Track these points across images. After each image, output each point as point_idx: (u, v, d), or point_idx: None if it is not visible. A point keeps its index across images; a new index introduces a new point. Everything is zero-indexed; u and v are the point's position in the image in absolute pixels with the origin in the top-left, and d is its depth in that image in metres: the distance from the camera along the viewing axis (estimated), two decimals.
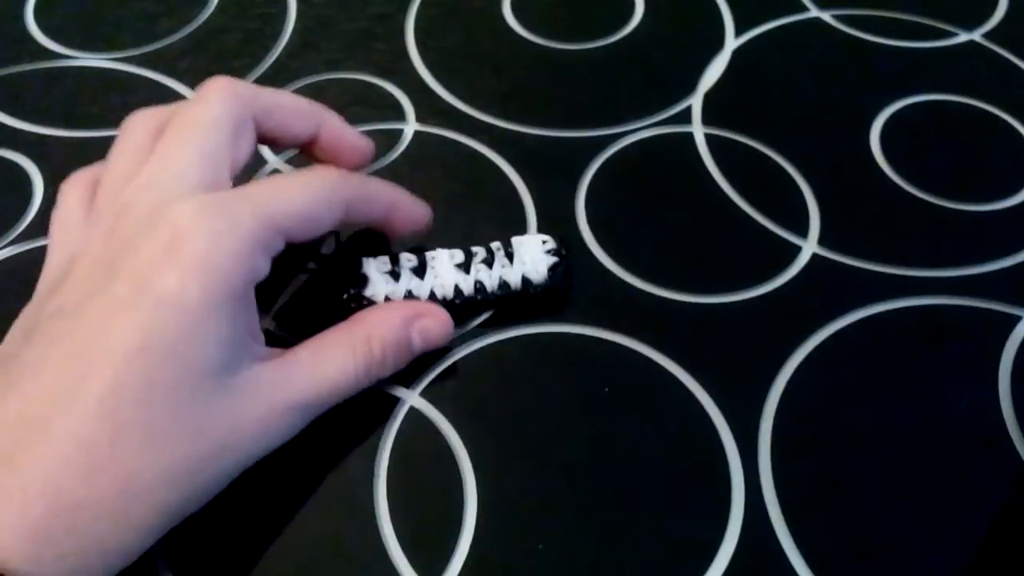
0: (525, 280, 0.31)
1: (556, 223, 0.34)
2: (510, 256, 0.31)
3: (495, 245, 0.32)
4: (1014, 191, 0.35)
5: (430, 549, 0.27)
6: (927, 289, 0.32)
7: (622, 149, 0.37)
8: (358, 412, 0.29)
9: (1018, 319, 0.32)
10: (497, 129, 0.38)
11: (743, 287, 0.33)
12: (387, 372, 0.29)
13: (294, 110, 0.31)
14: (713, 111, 0.39)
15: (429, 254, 0.31)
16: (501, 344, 0.31)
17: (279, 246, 0.26)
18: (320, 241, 0.33)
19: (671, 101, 0.39)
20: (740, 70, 0.40)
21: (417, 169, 0.37)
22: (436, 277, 0.31)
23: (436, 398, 0.30)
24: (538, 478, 0.28)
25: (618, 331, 0.31)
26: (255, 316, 0.27)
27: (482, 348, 0.31)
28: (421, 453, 0.29)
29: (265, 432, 0.26)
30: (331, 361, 0.27)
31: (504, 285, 0.31)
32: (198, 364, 0.24)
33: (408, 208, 0.31)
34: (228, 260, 0.25)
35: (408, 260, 0.31)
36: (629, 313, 0.32)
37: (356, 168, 0.32)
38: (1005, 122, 0.38)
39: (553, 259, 0.31)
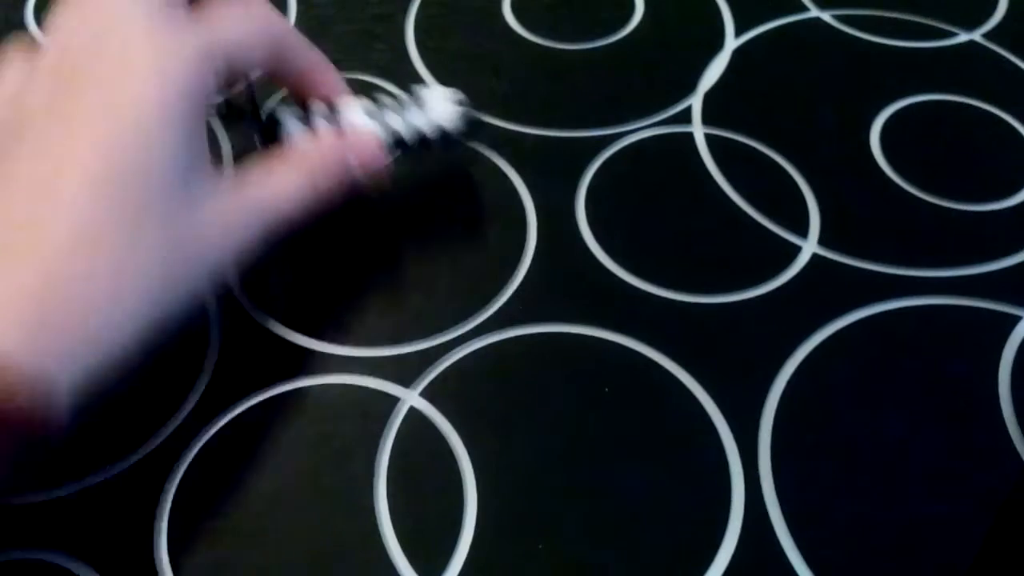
0: (439, 129, 0.32)
1: (556, 223, 0.34)
2: (419, 105, 0.32)
3: (401, 94, 0.33)
4: (1014, 191, 0.35)
5: (430, 549, 0.27)
6: (927, 289, 0.32)
7: (622, 149, 0.37)
8: (358, 412, 0.29)
9: (1018, 319, 0.32)
10: (497, 129, 0.38)
11: (743, 287, 0.33)
12: (330, 184, 0.29)
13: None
14: (713, 111, 0.39)
15: (339, 101, 0.32)
16: (501, 344, 0.31)
17: (220, 69, 0.27)
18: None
19: (671, 101, 0.39)
20: (740, 70, 0.40)
21: (417, 169, 0.36)
22: (350, 125, 0.31)
23: (436, 398, 0.30)
24: (538, 478, 0.28)
25: (618, 331, 0.31)
26: (205, 142, 0.27)
27: (482, 348, 0.31)
28: (421, 453, 0.29)
29: (228, 239, 0.27)
30: (278, 174, 0.29)
31: (418, 132, 0.32)
32: (162, 164, 0.25)
33: (326, 71, 0.32)
34: (181, 70, 0.26)
35: (318, 108, 0.32)
36: (629, 313, 0.32)
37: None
38: (1005, 122, 0.38)
39: (462, 108, 0.32)
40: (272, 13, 0.30)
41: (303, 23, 0.42)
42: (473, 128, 0.32)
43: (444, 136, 0.32)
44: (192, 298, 0.26)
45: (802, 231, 0.34)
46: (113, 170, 0.24)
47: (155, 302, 0.24)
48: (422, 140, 0.32)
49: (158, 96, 0.25)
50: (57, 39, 0.26)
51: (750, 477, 0.28)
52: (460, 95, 0.32)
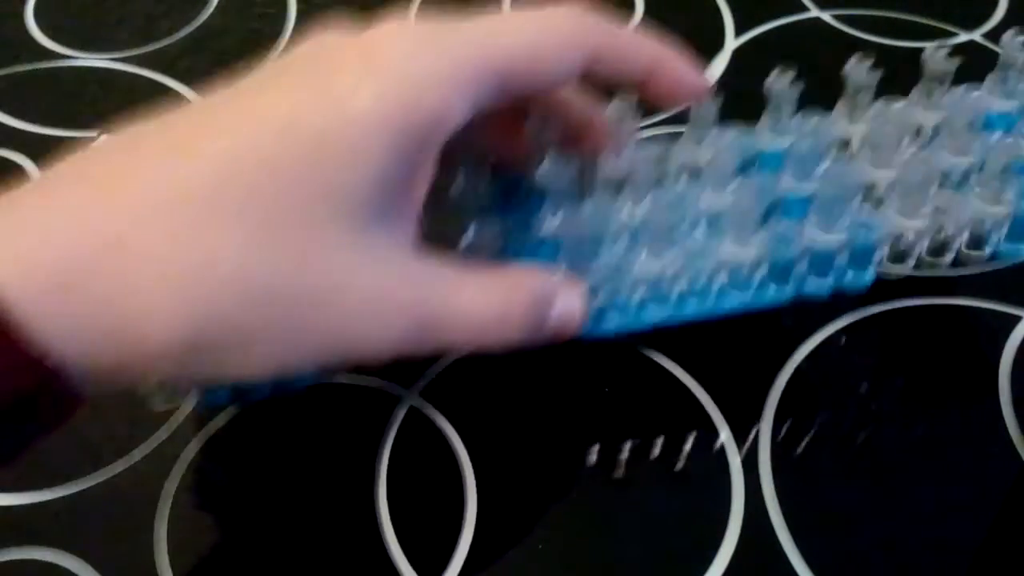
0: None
1: None
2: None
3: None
4: None
5: (430, 549, 0.27)
6: (927, 289, 0.32)
7: None
8: (358, 412, 0.29)
9: (1018, 319, 0.32)
10: None
11: None
12: (516, 335, 0.24)
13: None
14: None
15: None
16: None
17: (488, 93, 0.22)
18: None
19: None
20: (740, 70, 0.40)
21: None
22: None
23: (436, 398, 0.30)
24: (538, 478, 0.28)
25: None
26: (423, 185, 0.23)
27: None
28: (421, 453, 0.29)
29: (363, 318, 0.21)
30: (472, 291, 0.23)
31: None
32: (338, 179, 0.20)
33: (676, 70, 0.25)
34: (418, 83, 0.21)
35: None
36: None
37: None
38: None
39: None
40: (583, 18, 0.24)
41: (303, 23, 0.42)
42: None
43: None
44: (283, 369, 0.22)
45: None
46: (277, 157, 0.20)
47: (200, 319, 0.20)
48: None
49: (372, 103, 0.21)
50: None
51: (750, 477, 0.28)
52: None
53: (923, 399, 0.30)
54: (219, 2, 0.43)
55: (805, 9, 0.43)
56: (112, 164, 0.21)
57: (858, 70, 0.29)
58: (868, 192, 0.28)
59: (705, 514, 0.27)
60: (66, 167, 0.21)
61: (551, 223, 0.27)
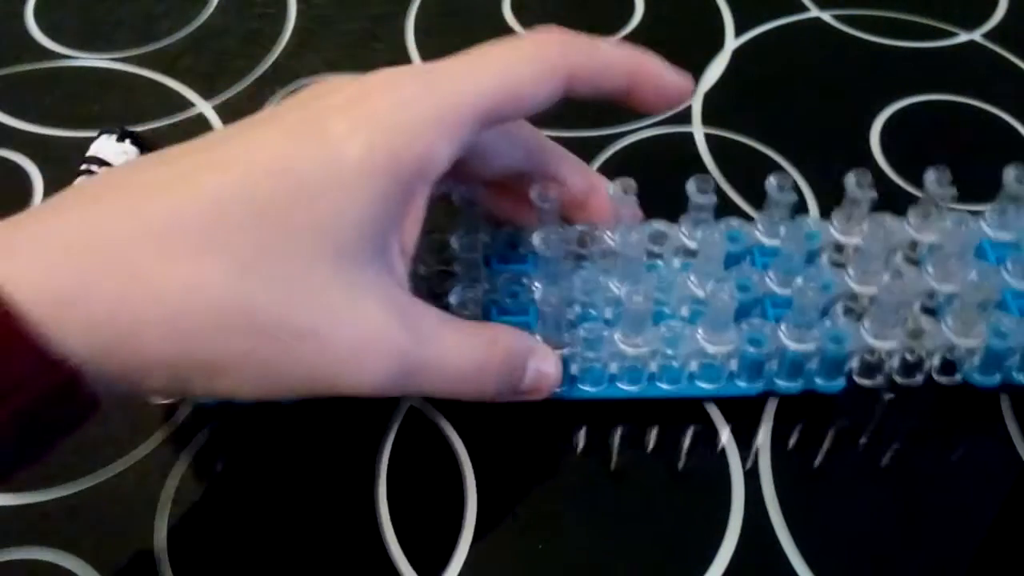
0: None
1: None
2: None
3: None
4: None
5: (430, 549, 0.27)
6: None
7: (622, 149, 0.37)
8: (358, 412, 0.29)
9: None
10: None
11: None
12: (491, 389, 0.25)
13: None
14: (713, 111, 0.39)
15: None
16: None
17: (473, 132, 0.23)
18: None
19: None
20: (740, 70, 0.40)
21: None
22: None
23: (436, 398, 0.30)
24: (538, 478, 0.28)
25: None
26: (413, 233, 0.24)
27: None
28: (421, 453, 0.29)
29: (345, 360, 0.22)
30: (453, 341, 0.24)
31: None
32: (327, 222, 0.21)
33: (657, 77, 0.26)
34: (406, 131, 0.22)
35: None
36: None
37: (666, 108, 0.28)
38: (1005, 122, 0.38)
39: None
40: (558, 41, 0.25)
41: (303, 23, 0.42)
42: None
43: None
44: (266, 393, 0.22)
45: None
46: (268, 193, 0.21)
47: (197, 339, 0.21)
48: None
49: (361, 152, 0.22)
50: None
51: (750, 477, 0.28)
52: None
53: (922, 398, 0.30)
54: (219, 2, 0.43)
55: (805, 9, 0.43)
56: (117, 192, 0.22)
57: (853, 184, 0.29)
58: (851, 298, 0.29)
59: (705, 514, 0.27)
60: (76, 192, 0.23)
61: (541, 287, 0.29)
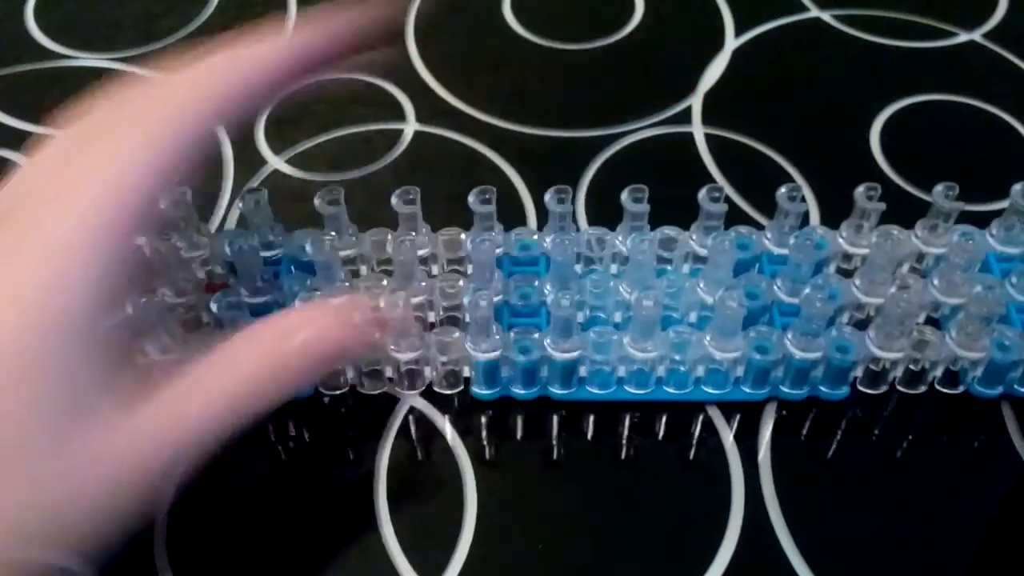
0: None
1: None
2: None
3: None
4: None
5: (430, 549, 0.27)
6: None
7: (622, 149, 0.37)
8: (358, 412, 0.29)
9: None
10: (497, 129, 0.38)
11: None
12: (308, 377, 0.24)
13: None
14: (713, 111, 0.39)
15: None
16: None
17: (126, 245, 0.22)
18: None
19: (671, 101, 0.39)
20: (740, 70, 0.40)
21: (417, 169, 0.37)
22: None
23: (436, 398, 0.30)
24: (538, 478, 0.28)
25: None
26: (112, 344, 0.22)
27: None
28: (421, 453, 0.29)
29: (133, 473, 0.21)
30: (237, 364, 0.22)
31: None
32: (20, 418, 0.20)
33: (345, 33, 0.25)
34: (42, 289, 0.20)
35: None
36: None
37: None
38: (1005, 122, 0.38)
39: None
40: (189, 86, 0.23)
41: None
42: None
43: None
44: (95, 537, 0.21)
45: None
46: None
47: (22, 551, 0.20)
48: None
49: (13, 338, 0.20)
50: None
51: (750, 477, 0.28)
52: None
53: (922, 397, 0.30)
54: (219, 2, 0.43)
55: (805, 9, 0.43)
56: None
57: (863, 196, 0.30)
58: (857, 308, 0.30)
59: (705, 514, 0.27)
60: None
61: (552, 290, 0.29)
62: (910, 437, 0.29)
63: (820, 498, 0.28)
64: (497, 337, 0.28)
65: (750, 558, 0.26)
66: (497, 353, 0.27)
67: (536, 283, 0.29)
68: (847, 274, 0.30)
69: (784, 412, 0.29)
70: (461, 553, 0.27)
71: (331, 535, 0.27)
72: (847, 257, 0.31)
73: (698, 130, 0.38)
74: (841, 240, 0.30)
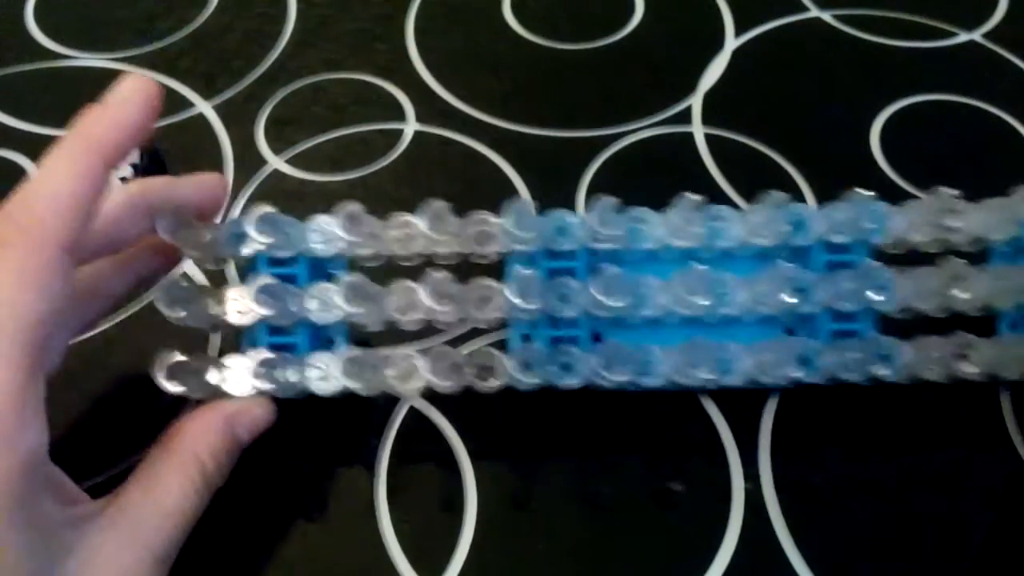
0: None
1: None
2: None
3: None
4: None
5: (430, 549, 0.27)
6: None
7: (622, 149, 0.37)
8: (358, 412, 0.29)
9: None
10: (497, 129, 0.38)
11: None
12: (224, 479, 0.26)
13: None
14: (713, 111, 0.39)
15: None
16: (500, 344, 0.31)
17: (39, 379, 0.21)
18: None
19: (671, 101, 0.39)
20: (740, 70, 0.40)
21: (417, 169, 0.37)
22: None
23: (436, 398, 0.30)
24: (538, 478, 0.28)
25: None
26: (57, 476, 0.24)
27: (481, 348, 0.31)
28: (421, 453, 0.29)
29: None
30: (167, 493, 0.24)
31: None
32: None
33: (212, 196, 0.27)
34: None
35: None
36: None
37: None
38: (1005, 122, 0.38)
39: None
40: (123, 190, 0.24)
41: (303, 23, 0.42)
42: None
43: None
44: None
45: None
46: None
47: None
48: None
49: None
50: None
51: (750, 477, 0.28)
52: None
53: (922, 397, 0.30)
54: (219, 2, 0.43)
55: (805, 9, 0.43)
56: None
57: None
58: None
59: (705, 514, 0.27)
60: None
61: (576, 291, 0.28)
62: (910, 438, 0.29)
63: (820, 498, 0.28)
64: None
65: (750, 558, 0.26)
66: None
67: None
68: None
69: (784, 412, 0.29)
70: (461, 553, 0.27)
71: (331, 535, 0.27)
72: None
73: (698, 130, 0.38)
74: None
